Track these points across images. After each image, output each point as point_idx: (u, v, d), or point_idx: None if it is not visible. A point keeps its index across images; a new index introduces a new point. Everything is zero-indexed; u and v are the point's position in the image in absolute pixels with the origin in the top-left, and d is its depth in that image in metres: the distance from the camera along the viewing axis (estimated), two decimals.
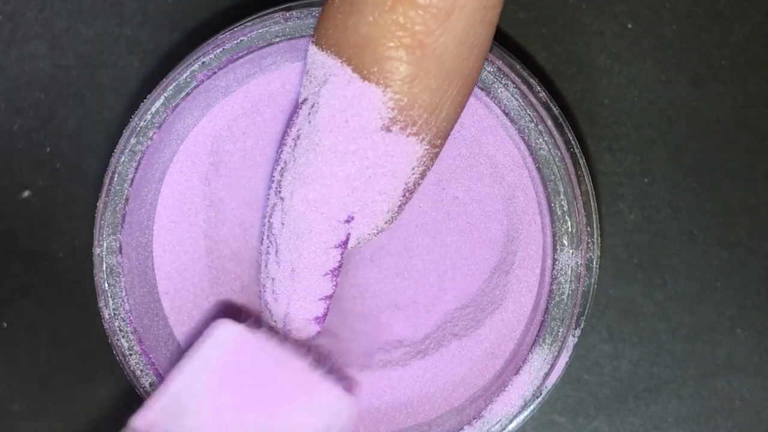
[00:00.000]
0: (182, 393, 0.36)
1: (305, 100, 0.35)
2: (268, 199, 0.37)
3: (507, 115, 0.37)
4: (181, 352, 0.40)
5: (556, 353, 0.38)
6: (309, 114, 0.34)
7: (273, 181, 0.36)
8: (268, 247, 0.37)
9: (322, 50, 0.34)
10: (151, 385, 0.39)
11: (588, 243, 0.38)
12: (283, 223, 0.35)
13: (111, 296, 0.38)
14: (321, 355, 0.38)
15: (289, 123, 0.36)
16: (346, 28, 0.33)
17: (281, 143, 0.36)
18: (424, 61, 0.33)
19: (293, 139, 0.35)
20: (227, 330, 0.37)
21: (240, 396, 0.36)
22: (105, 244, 0.38)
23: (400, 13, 0.32)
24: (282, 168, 0.36)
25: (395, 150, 0.34)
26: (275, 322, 0.37)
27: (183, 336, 0.40)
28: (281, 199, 0.35)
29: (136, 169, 0.38)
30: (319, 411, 0.37)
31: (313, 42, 0.35)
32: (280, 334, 0.37)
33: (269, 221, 0.36)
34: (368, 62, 0.33)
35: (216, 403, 0.36)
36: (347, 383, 0.39)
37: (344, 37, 0.33)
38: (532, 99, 0.37)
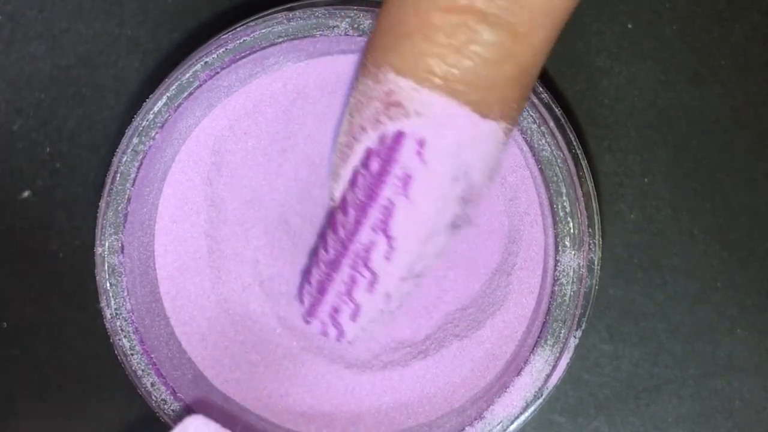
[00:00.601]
0: None
1: (401, 133, 0.33)
2: (354, 228, 0.35)
3: None
4: (182, 352, 0.40)
5: (557, 354, 0.38)
6: (420, 152, 0.33)
7: (365, 213, 0.34)
8: (356, 274, 0.35)
9: (422, 86, 0.32)
10: (152, 384, 0.38)
11: (589, 244, 0.38)
12: (388, 258, 0.35)
13: (113, 296, 0.38)
14: None
15: (371, 155, 0.33)
16: (463, 69, 0.32)
17: (365, 165, 0.34)
18: (527, 85, 0.33)
19: (401, 179, 0.33)
20: (200, 427, 0.37)
21: None
22: (107, 244, 0.38)
23: (520, 53, 0.32)
24: (387, 207, 0.33)
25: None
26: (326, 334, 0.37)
27: (184, 336, 0.40)
28: (389, 238, 0.34)
29: (138, 168, 0.38)
30: None
31: (395, 71, 0.32)
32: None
33: (362, 252, 0.35)
34: (491, 102, 0.32)
35: None
36: None
37: (457, 76, 0.32)
38: (535, 100, 0.37)
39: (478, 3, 0.31)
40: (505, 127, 0.33)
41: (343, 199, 0.34)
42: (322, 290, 0.36)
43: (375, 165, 0.33)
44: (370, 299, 0.35)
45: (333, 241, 0.35)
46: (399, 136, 0.33)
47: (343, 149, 0.34)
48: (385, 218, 0.33)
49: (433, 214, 0.33)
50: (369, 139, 0.33)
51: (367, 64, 0.33)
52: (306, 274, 0.36)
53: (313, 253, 0.36)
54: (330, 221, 0.35)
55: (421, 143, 0.32)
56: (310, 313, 0.37)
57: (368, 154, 0.33)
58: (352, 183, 0.34)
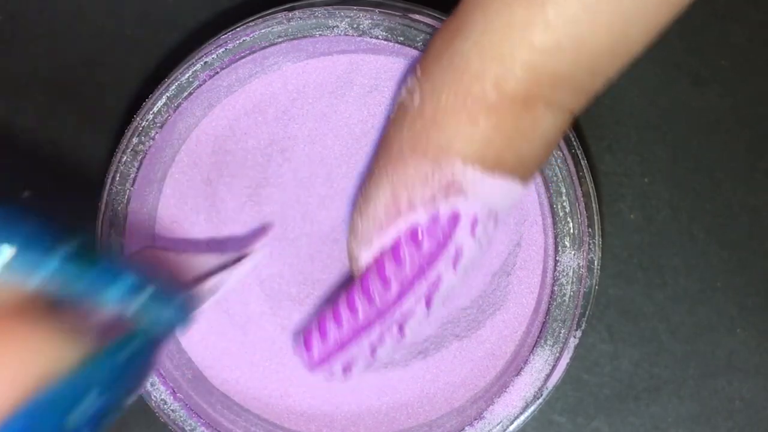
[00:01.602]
0: None
1: (457, 214, 0.33)
2: (396, 299, 0.35)
3: None
4: (182, 352, 0.40)
5: (557, 354, 0.38)
6: (473, 230, 0.34)
7: (412, 287, 0.35)
8: (386, 336, 0.36)
9: (488, 173, 0.33)
10: (152, 384, 0.39)
11: (589, 244, 0.38)
12: (421, 322, 0.35)
13: None
14: None
15: (420, 233, 0.34)
16: (527, 153, 0.33)
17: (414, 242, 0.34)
18: None
19: (452, 256, 0.34)
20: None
21: None
22: (107, 244, 0.38)
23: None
24: (435, 281, 0.34)
25: None
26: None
27: (184, 336, 0.40)
28: (429, 305, 0.35)
29: (138, 168, 0.38)
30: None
31: (462, 160, 0.32)
32: None
33: (399, 318, 0.35)
34: (535, 171, 0.34)
35: None
36: None
37: (521, 161, 0.33)
38: None
39: (546, 92, 0.31)
40: None
41: (380, 269, 0.35)
42: (341, 348, 0.36)
43: (428, 244, 0.34)
44: (390, 353, 0.36)
45: (365, 307, 0.35)
46: (455, 217, 0.33)
47: (379, 218, 0.34)
48: (432, 291, 0.34)
49: (465, 277, 0.35)
50: (418, 216, 0.34)
51: (423, 148, 0.33)
52: (320, 328, 0.36)
53: (332, 312, 0.36)
54: (361, 287, 0.35)
55: (474, 221, 0.33)
56: (318, 364, 0.37)
57: (415, 231, 0.34)
58: (396, 257, 0.34)
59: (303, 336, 0.37)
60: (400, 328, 0.35)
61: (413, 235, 0.34)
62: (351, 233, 0.36)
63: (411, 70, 0.35)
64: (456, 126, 0.32)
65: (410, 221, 0.34)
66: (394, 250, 0.34)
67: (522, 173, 0.33)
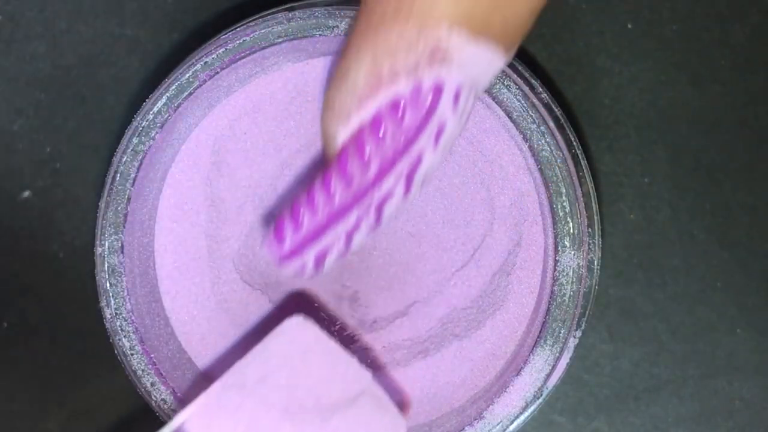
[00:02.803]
0: (246, 376, 0.36)
1: (440, 86, 0.32)
2: (375, 178, 0.33)
3: (509, 116, 0.37)
4: (182, 352, 0.40)
5: (557, 354, 0.38)
6: (455, 103, 0.32)
7: (393, 164, 0.33)
8: (363, 219, 0.34)
9: (477, 37, 0.32)
10: (152, 384, 0.39)
11: (589, 244, 0.38)
12: (399, 203, 0.34)
13: (113, 296, 0.38)
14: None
15: (402, 105, 0.32)
16: (514, 15, 0.32)
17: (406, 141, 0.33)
18: None
19: (434, 131, 0.32)
20: (301, 327, 0.37)
21: (301, 395, 0.36)
22: (107, 244, 0.38)
23: None
24: (417, 157, 0.33)
25: None
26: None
27: (184, 336, 0.40)
28: (409, 185, 0.33)
29: (138, 168, 0.38)
30: (375, 424, 0.37)
31: (449, 22, 0.31)
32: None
33: (378, 200, 0.33)
34: (519, 40, 0.33)
35: (277, 399, 0.36)
36: (400, 401, 0.39)
37: (509, 24, 0.32)
38: (534, 100, 0.37)
39: None
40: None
41: (359, 147, 0.33)
42: (316, 235, 0.34)
43: (410, 117, 0.32)
44: (364, 239, 0.35)
45: (342, 190, 0.33)
46: (438, 88, 0.32)
47: (358, 89, 0.33)
48: (413, 168, 0.33)
49: (444, 155, 0.33)
50: (400, 86, 0.32)
51: (411, 9, 0.32)
52: (293, 215, 0.34)
53: (305, 197, 0.34)
54: (338, 167, 0.33)
55: (457, 94, 0.32)
56: (291, 255, 0.35)
57: (397, 103, 0.32)
58: (375, 132, 0.33)
59: (274, 225, 0.35)
60: (378, 212, 0.34)
61: (394, 107, 0.32)
62: (326, 109, 0.34)
63: None
64: None
65: (392, 92, 0.32)
66: (374, 124, 0.33)
67: (506, 41, 0.32)
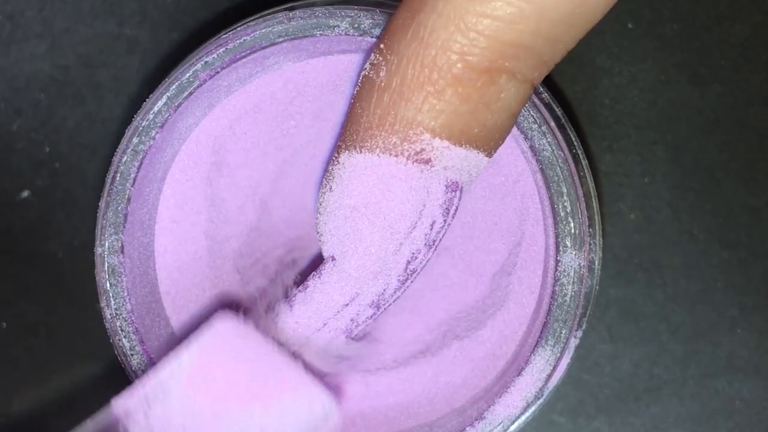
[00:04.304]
0: (169, 381, 0.36)
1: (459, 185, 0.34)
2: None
3: None
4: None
5: (558, 354, 0.38)
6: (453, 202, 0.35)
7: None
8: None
9: (456, 145, 0.33)
10: None
11: (590, 244, 0.38)
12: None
13: (113, 296, 0.38)
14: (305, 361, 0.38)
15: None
16: (492, 123, 0.33)
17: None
18: None
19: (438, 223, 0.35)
20: (227, 323, 0.37)
21: (228, 391, 0.36)
22: (107, 244, 0.38)
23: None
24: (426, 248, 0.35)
25: None
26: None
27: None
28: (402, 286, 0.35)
29: (138, 168, 0.38)
30: (306, 413, 0.37)
31: (430, 132, 0.33)
32: (272, 335, 0.37)
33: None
34: (500, 143, 0.34)
35: (202, 396, 0.36)
36: (333, 389, 0.39)
37: (487, 131, 0.33)
38: (535, 99, 0.37)
39: (509, 63, 0.32)
40: None
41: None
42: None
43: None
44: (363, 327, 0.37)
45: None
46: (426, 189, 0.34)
47: None
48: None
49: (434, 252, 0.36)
50: None
51: (391, 121, 0.33)
52: (348, 333, 0.37)
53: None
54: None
55: (443, 194, 0.34)
56: None
57: None
58: None
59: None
60: (375, 308, 0.36)
61: None
62: (319, 213, 0.36)
63: (374, 45, 0.35)
64: (423, 98, 0.32)
65: None
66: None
67: (487, 144, 0.34)
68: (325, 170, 0.36)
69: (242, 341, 0.37)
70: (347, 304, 0.36)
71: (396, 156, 0.33)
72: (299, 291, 0.36)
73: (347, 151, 0.34)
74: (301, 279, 0.37)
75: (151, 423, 0.36)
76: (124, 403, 0.36)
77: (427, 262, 0.35)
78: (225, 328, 0.37)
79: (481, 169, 0.34)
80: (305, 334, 0.36)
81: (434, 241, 0.35)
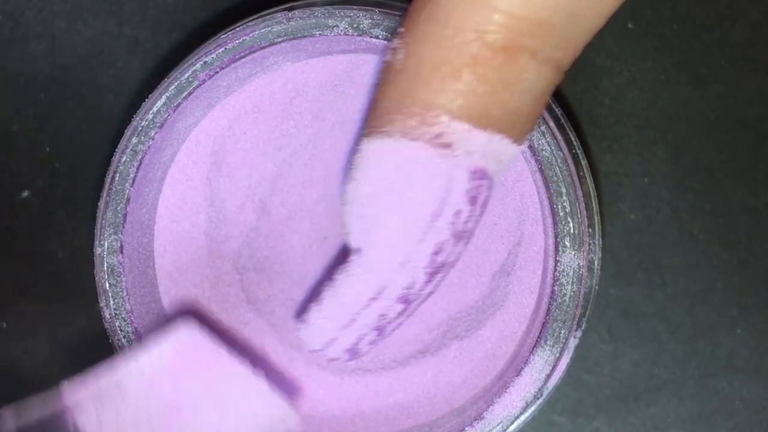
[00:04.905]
0: (125, 380, 0.36)
1: (483, 170, 0.33)
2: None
3: None
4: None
5: (557, 354, 0.38)
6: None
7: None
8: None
9: (476, 127, 0.32)
10: None
11: (589, 244, 0.38)
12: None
13: (112, 296, 0.38)
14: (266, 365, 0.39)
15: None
16: (513, 106, 0.32)
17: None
18: None
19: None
20: (188, 331, 0.37)
21: (184, 397, 0.36)
22: (106, 244, 0.38)
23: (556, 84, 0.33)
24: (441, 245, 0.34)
25: None
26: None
27: None
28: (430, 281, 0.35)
29: (138, 168, 0.38)
30: (263, 421, 0.36)
31: (448, 115, 0.32)
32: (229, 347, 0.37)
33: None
34: (527, 130, 0.34)
35: (157, 399, 0.36)
36: (292, 390, 0.39)
37: (508, 113, 0.32)
38: None
39: (528, 41, 0.31)
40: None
41: None
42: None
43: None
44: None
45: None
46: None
47: None
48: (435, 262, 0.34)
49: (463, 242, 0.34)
50: None
51: (404, 102, 0.33)
52: (380, 333, 0.36)
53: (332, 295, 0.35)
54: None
55: (468, 180, 0.33)
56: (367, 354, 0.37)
57: None
58: None
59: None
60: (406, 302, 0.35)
61: None
62: (343, 203, 0.35)
63: (395, 30, 0.34)
64: (440, 79, 0.32)
65: None
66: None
67: (511, 129, 0.32)
68: (348, 161, 0.36)
69: (203, 350, 0.37)
70: (374, 298, 0.34)
71: (415, 140, 0.32)
72: (327, 286, 0.35)
73: (367, 138, 0.33)
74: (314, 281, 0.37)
75: (101, 419, 0.36)
76: (75, 393, 0.36)
77: (459, 256, 0.34)
78: (187, 335, 0.37)
79: (512, 157, 0.33)
80: (333, 333, 0.36)
81: (462, 232, 0.33)
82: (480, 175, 0.33)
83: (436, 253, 0.33)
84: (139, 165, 0.38)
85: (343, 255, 0.39)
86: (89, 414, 0.35)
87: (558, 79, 0.33)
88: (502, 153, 0.33)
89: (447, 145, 0.32)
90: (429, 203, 0.33)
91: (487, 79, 0.31)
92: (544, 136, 0.37)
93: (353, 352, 0.36)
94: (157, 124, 0.37)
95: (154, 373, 0.36)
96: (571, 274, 0.37)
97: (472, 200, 0.33)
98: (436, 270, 0.34)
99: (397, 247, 0.34)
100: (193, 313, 0.40)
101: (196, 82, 0.37)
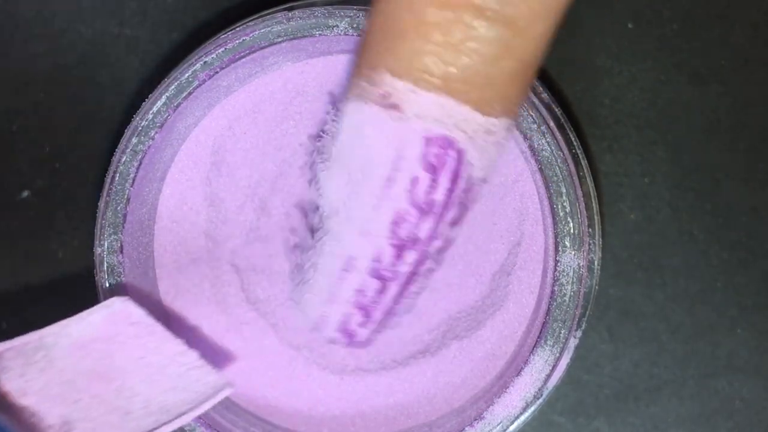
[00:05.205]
0: (51, 340, 0.36)
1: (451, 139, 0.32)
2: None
3: None
4: None
5: (557, 354, 0.38)
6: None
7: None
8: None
9: (419, 87, 0.31)
10: None
11: (589, 244, 0.38)
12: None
13: (112, 296, 0.38)
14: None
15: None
16: (461, 67, 0.31)
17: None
18: (527, 80, 0.33)
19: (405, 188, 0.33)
20: (123, 305, 0.37)
21: (109, 365, 0.36)
22: (106, 244, 0.38)
23: (519, 48, 0.32)
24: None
25: None
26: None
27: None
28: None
29: (138, 168, 0.38)
30: (191, 387, 0.36)
31: (390, 73, 0.32)
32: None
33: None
34: (492, 99, 0.32)
35: (81, 364, 0.36)
36: (226, 359, 0.39)
37: (455, 75, 0.31)
38: (535, 100, 0.37)
39: None
40: (506, 123, 0.32)
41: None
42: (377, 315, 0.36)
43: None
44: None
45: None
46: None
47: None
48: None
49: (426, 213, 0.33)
50: None
51: (360, 65, 0.33)
52: (365, 314, 0.36)
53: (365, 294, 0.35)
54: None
55: (424, 144, 0.32)
56: (368, 343, 0.37)
57: None
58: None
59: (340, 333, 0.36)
60: (380, 279, 0.35)
61: None
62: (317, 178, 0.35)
63: None
64: (386, 39, 0.32)
65: None
66: None
67: (465, 94, 0.31)
68: None
69: (134, 322, 0.37)
70: (346, 270, 0.34)
71: (365, 102, 0.32)
72: (308, 258, 0.36)
73: (339, 104, 0.34)
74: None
75: (25, 375, 0.35)
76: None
77: (432, 236, 0.33)
78: (119, 306, 0.37)
79: (486, 131, 0.32)
80: (318, 308, 0.36)
81: (426, 204, 0.32)
82: (441, 143, 0.32)
83: (396, 224, 0.33)
84: (139, 165, 0.38)
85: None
86: (12, 369, 0.35)
87: (518, 44, 0.31)
88: (466, 122, 0.32)
89: (395, 107, 0.32)
90: (380, 167, 0.32)
91: (430, 37, 0.31)
92: (544, 136, 0.37)
93: (348, 334, 0.36)
94: (157, 124, 0.37)
95: (81, 337, 0.36)
96: (571, 274, 0.37)
97: (431, 168, 0.32)
98: (403, 244, 0.33)
99: (354, 213, 0.33)
100: (193, 313, 0.40)
101: (196, 82, 0.37)
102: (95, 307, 0.36)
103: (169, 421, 0.35)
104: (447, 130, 0.32)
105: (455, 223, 0.33)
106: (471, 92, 0.31)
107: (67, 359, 0.36)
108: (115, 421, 0.35)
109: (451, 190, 0.33)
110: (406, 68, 0.31)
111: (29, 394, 0.35)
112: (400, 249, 0.33)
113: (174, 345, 0.36)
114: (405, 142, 0.32)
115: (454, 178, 0.32)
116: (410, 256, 0.34)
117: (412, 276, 0.34)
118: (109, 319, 0.36)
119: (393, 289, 0.34)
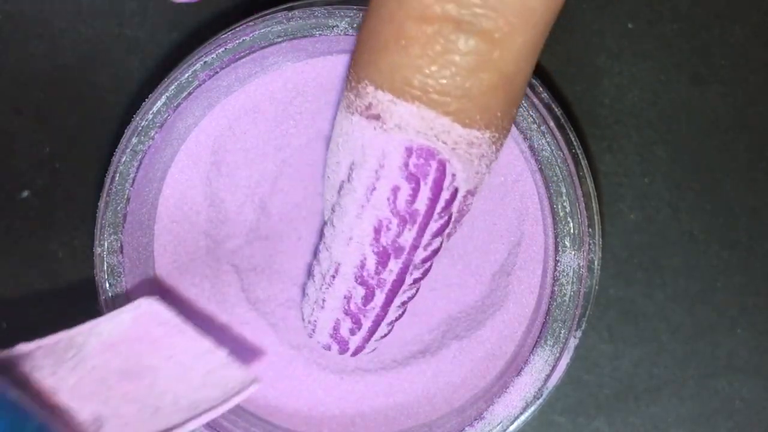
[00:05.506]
0: (82, 339, 0.36)
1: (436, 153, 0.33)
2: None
3: None
4: None
5: (557, 354, 0.38)
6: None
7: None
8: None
9: (399, 98, 0.32)
10: None
11: (590, 244, 0.38)
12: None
13: (112, 296, 0.38)
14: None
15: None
16: (440, 79, 0.32)
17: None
18: (512, 92, 0.33)
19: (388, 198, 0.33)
20: (152, 306, 0.37)
21: (138, 364, 0.36)
22: (106, 244, 0.38)
23: (499, 60, 0.32)
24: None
25: None
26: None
27: None
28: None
29: (138, 168, 0.38)
30: (219, 385, 0.37)
31: (374, 84, 0.32)
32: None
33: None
34: (472, 111, 0.32)
35: (111, 363, 0.36)
36: (253, 356, 0.39)
37: (434, 87, 0.32)
38: (534, 100, 0.37)
39: (451, 11, 0.31)
40: (490, 136, 0.33)
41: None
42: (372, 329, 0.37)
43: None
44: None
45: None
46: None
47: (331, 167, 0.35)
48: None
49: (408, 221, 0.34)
50: None
51: (349, 77, 0.33)
52: (355, 320, 0.36)
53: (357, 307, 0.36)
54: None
55: (403, 155, 0.33)
56: (356, 352, 0.38)
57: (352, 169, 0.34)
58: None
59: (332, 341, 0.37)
60: (365, 287, 0.35)
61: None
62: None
63: None
64: (370, 51, 0.32)
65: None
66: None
67: (445, 106, 0.32)
68: None
69: (162, 321, 0.37)
70: (333, 276, 0.35)
71: (353, 113, 0.33)
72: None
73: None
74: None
75: (57, 373, 0.36)
76: (29, 347, 0.36)
77: (415, 245, 0.34)
78: (147, 306, 0.37)
79: (462, 140, 0.32)
80: (311, 314, 0.37)
81: (409, 213, 0.33)
82: (422, 153, 0.32)
83: (377, 231, 0.33)
84: (139, 165, 0.38)
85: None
86: (44, 368, 0.35)
87: (498, 56, 0.31)
88: (447, 134, 0.32)
89: (377, 117, 0.32)
90: (363, 176, 0.33)
91: (410, 50, 0.31)
92: (544, 136, 0.37)
93: (340, 342, 0.37)
94: (157, 124, 0.37)
95: (111, 337, 0.36)
96: (571, 274, 0.37)
97: (412, 178, 0.33)
98: (385, 251, 0.34)
99: (343, 221, 0.34)
100: (193, 313, 0.40)
101: (196, 82, 0.37)
102: (124, 307, 0.37)
103: (198, 416, 0.35)
104: (428, 140, 0.32)
105: (440, 233, 0.34)
106: (450, 104, 0.32)
107: (97, 358, 0.36)
108: (145, 418, 0.35)
109: (433, 200, 0.33)
110: (388, 80, 0.32)
111: (61, 391, 0.35)
112: (383, 257, 0.34)
113: (203, 344, 0.37)
114: (386, 152, 0.33)
115: (436, 188, 0.33)
116: (394, 265, 0.34)
117: (397, 284, 0.35)
118: (138, 320, 0.37)
119: (379, 297, 0.35)
